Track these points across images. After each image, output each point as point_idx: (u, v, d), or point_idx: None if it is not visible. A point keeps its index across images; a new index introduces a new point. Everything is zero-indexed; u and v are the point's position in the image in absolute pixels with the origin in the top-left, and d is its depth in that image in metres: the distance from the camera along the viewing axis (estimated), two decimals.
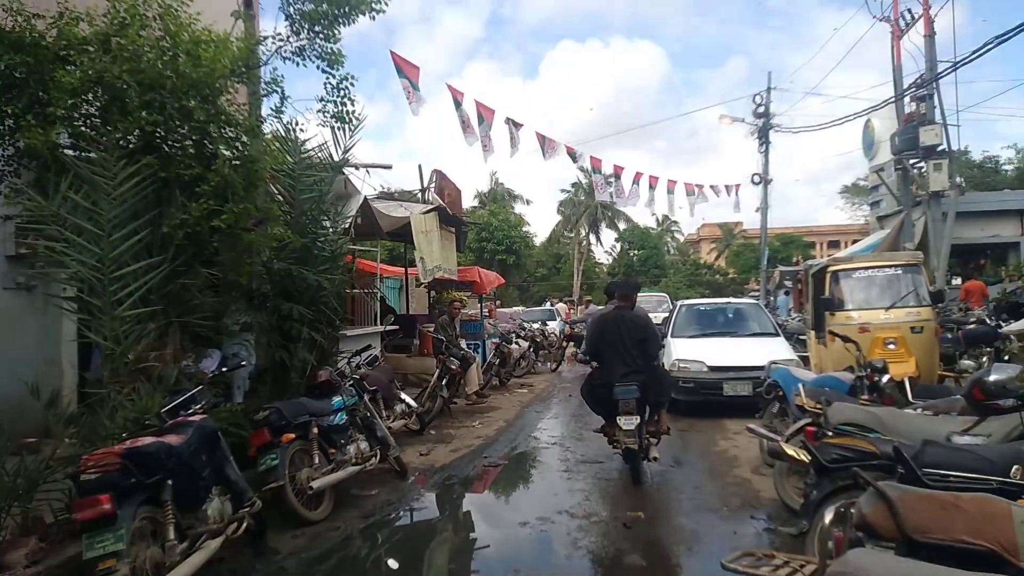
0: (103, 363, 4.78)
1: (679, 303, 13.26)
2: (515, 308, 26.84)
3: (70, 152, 5.15)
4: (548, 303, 27.48)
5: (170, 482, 3.80)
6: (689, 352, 9.64)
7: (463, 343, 11.02)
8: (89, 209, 4.69)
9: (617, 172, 15.90)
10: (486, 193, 45.75)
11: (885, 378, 5.32)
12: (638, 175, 16.21)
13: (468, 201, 37.36)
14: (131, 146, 5.19)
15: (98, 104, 5.26)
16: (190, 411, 4.57)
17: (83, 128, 5.20)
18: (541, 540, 4.89)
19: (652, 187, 16.95)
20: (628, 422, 5.86)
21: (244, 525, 4.30)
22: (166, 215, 5.20)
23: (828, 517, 3.52)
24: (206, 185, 5.25)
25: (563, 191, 48.28)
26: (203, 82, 5.31)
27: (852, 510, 2.88)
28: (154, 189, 5.17)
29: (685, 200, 18.33)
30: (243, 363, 5.99)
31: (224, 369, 5.50)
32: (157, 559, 3.62)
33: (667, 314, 13.43)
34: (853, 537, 2.79)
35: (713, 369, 9.21)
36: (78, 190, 4.72)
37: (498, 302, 26.11)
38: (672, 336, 10.59)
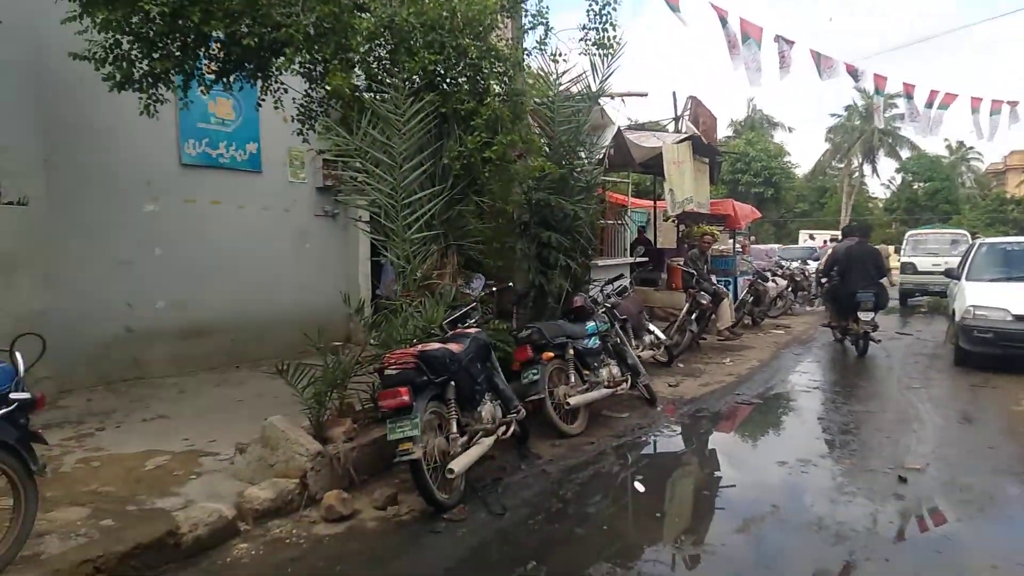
0: (397, 279, 5.47)
1: (976, 241, 11.42)
2: (770, 245, 25.21)
3: (367, 94, 5.83)
4: (807, 239, 25.32)
5: (453, 383, 4.32)
6: (988, 298, 8.31)
7: (713, 279, 10.68)
8: (384, 143, 5.30)
9: (907, 91, 13.76)
10: (742, 121, 42.94)
11: None
12: (932, 94, 13.88)
13: (722, 131, 35.41)
14: (415, 85, 5.72)
15: (388, 47, 5.85)
16: (467, 324, 5.09)
17: (376, 70, 5.84)
18: (800, 482, 4.68)
19: (944, 107, 14.38)
20: (866, 315, 9.43)
21: (512, 429, 4.73)
22: (445, 148, 5.70)
23: None
24: (479, 119, 5.63)
25: (833, 116, 43.49)
26: (476, 20, 5.64)
27: None
28: (435, 124, 5.67)
29: (988, 121, 15.31)
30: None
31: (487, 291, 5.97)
32: (443, 448, 4.15)
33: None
34: None
35: (1019, 318, 7.87)
36: (375, 126, 5.35)
37: (752, 238, 24.73)
38: (966, 279, 9.20)
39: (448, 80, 5.88)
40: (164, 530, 3.22)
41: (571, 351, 5.88)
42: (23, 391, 3.01)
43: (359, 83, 5.95)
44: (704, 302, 9.42)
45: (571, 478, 4.69)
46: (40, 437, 3.15)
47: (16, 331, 3.26)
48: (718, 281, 11.23)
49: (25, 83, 5.98)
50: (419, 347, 4.28)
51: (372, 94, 5.78)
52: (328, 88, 5.56)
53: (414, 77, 5.63)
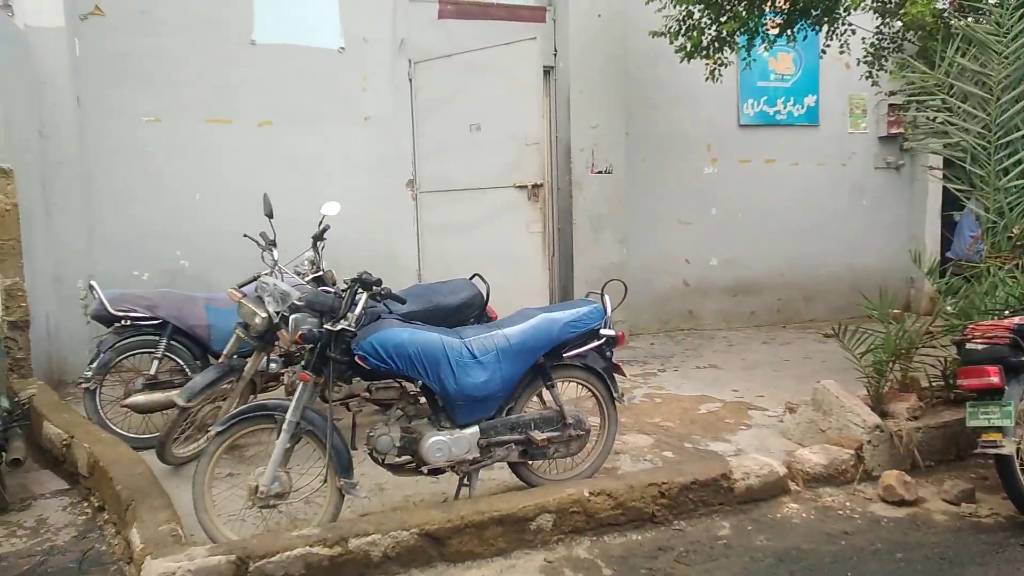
0: (984, 236, 4.53)
1: None
2: None
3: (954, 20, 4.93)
4: None
5: None
6: None
7: None
8: (977, 72, 4.39)
9: None
10: None
11: None
12: None
13: None
14: None
15: None
16: None
17: None
18: None
19: None
20: None
21: None
22: None
23: None
24: None
25: None
26: None
27: None
28: None
29: None
30: None
31: None
32: None
33: None
34: None
35: None
36: (963, 54, 4.47)
37: None
38: None
39: None
40: (719, 472, 3.39)
41: None
42: (610, 329, 3.54)
43: (943, 7, 5.09)
44: None
45: None
46: (620, 369, 3.66)
47: (603, 279, 3.86)
48: None
49: (615, 67, 6.98)
50: (1016, 319, 3.44)
51: (960, 17, 4.86)
52: (904, 19, 4.89)
53: None
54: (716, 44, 5.69)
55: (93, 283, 4.20)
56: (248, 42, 6.14)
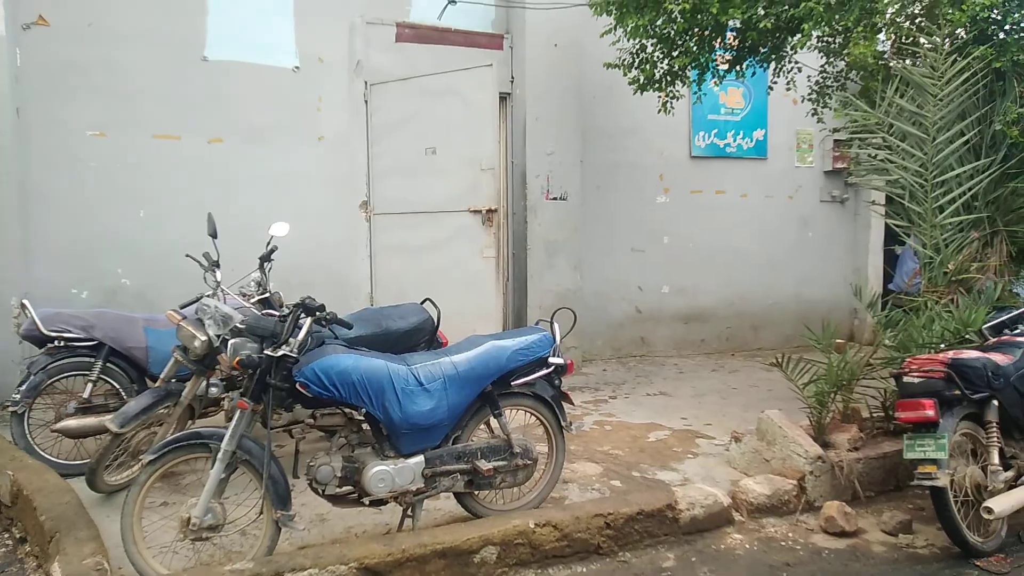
0: (921, 271, 4.70)
1: None
2: None
3: (893, 61, 5.14)
4: None
5: (996, 402, 3.48)
6: None
7: None
8: (914, 113, 4.58)
9: None
10: None
11: None
12: None
13: None
14: (957, 41, 4.79)
15: (923, 3, 5.04)
16: (1018, 331, 4.05)
17: (908, 30, 5.08)
18: None
19: None
20: None
21: None
22: (998, 111, 4.63)
23: None
24: None
25: None
26: None
27: None
28: (984, 84, 4.65)
29: None
30: None
31: None
32: (977, 480, 3.38)
33: None
34: None
35: None
36: (902, 95, 4.66)
37: None
38: None
39: (1007, 27, 4.74)
40: (665, 502, 3.39)
41: None
42: (559, 357, 3.53)
43: (883, 49, 5.32)
44: None
45: None
46: (568, 398, 3.65)
47: (556, 305, 3.88)
48: None
49: (571, 96, 7.07)
50: (951, 353, 3.56)
51: (899, 60, 5.08)
52: (847, 59, 5.08)
53: (958, 31, 4.72)
54: (668, 77, 5.82)
55: (25, 301, 4.03)
56: (200, 58, 6.03)
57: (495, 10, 7.16)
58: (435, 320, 4.40)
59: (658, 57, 5.77)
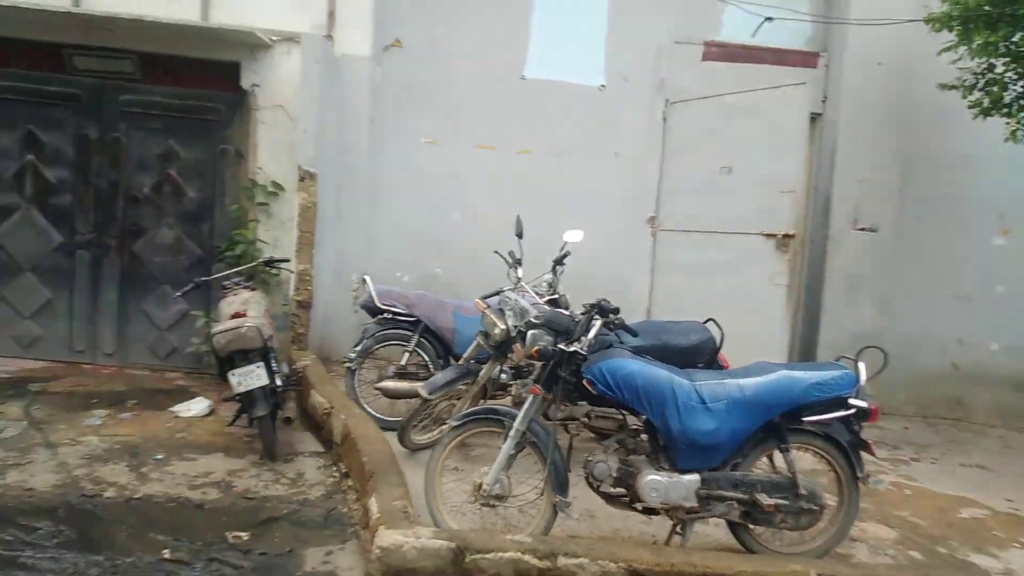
0: None
1: None
2: None
3: None
4: None
5: None
6: None
7: None
8: None
9: None
10: None
11: None
12: None
13: None
14: None
15: None
16: None
17: None
18: None
19: None
20: None
21: None
22: None
23: None
24: None
25: None
26: None
27: None
28: None
29: None
30: None
31: None
32: None
33: None
34: None
35: None
36: None
37: None
38: None
39: None
40: None
41: None
42: (862, 399, 3.18)
43: None
44: None
45: None
46: (870, 447, 3.26)
47: (852, 345, 3.50)
48: None
49: (891, 119, 6.38)
50: None
51: None
52: None
53: None
54: (1021, 101, 5.00)
55: (367, 278, 4.78)
56: (519, 76, 6.62)
57: (811, 27, 6.76)
58: (717, 341, 4.27)
59: (1010, 78, 5.00)
